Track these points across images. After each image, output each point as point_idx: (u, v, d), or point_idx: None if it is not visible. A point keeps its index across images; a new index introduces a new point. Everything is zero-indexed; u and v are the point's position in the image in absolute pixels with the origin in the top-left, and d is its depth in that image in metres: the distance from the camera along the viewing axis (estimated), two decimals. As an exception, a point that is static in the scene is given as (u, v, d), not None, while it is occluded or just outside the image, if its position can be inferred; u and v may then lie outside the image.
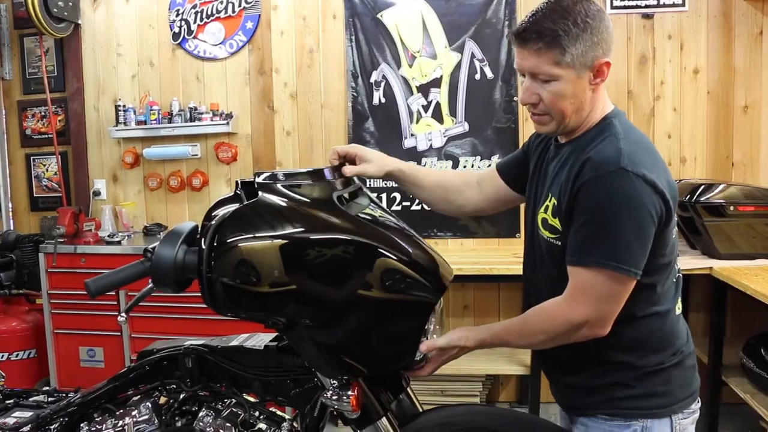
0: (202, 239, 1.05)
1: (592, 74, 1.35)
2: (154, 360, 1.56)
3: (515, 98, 3.76)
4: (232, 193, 1.25)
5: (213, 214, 1.17)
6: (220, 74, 3.91)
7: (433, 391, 3.44)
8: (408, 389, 1.55)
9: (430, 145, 3.87)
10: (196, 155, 3.90)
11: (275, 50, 3.84)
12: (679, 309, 1.44)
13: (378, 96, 3.86)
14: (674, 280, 1.41)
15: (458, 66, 3.79)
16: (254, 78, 3.89)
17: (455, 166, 3.86)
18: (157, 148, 3.90)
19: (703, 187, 3.04)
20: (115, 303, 3.38)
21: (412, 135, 3.88)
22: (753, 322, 3.26)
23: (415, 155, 3.88)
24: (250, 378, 1.53)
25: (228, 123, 3.79)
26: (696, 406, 1.41)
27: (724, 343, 3.14)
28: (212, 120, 3.80)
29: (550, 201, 1.40)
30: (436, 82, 3.82)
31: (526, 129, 3.77)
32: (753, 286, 2.58)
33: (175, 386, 1.56)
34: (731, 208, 2.98)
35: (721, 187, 3.06)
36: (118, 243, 3.55)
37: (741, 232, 3.02)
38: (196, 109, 3.82)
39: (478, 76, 3.76)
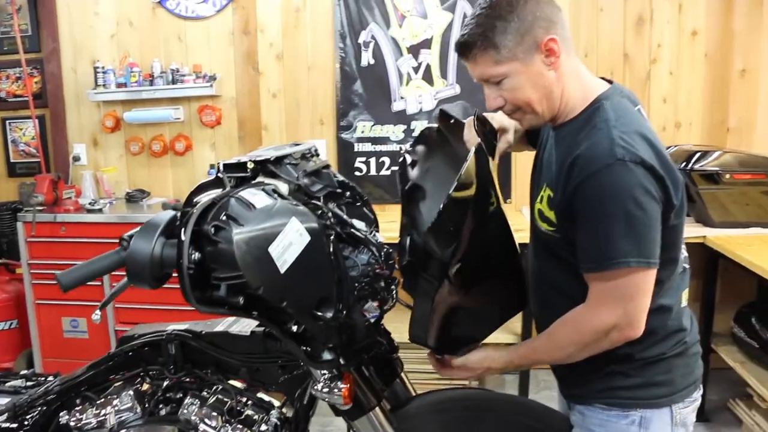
0: (182, 229, 0.97)
1: (543, 55, 1.27)
2: (136, 346, 1.50)
3: (508, 60, 3.65)
4: (214, 177, 1.16)
5: (194, 200, 1.09)
6: (203, 34, 3.76)
7: (423, 371, 3.41)
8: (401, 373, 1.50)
9: (420, 108, 3.77)
10: (179, 119, 3.77)
11: (260, 9, 3.68)
12: (685, 300, 1.38)
13: (367, 57, 3.73)
14: (681, 271, 1.35)
15: (449, 26, 3.66)
16: (239, 38, 3.74)
17: (446, 130, 3.77)
18: (138, 112, 3.77)
19: (698, 154, 2.97)
20: (98, 272, 3.30)
21: (401, 97, 3.77)
22: (744, 291, 3.24)
23: (404, 118, 3.78)
24: (236, 364, 1.47)
25: (212, 85, 3.65)
26: (697, 394, 1.37)
27: (714, 311, 3.13)
28: (195, 82, 3.67)
29: (545, 191, 1.35)
30: (427, 43, 3.70)
31: (519, 92, 3.67)
32: (747, 256, 2.54)
33: (157, 373, 1.49)
34: (727, 176, 2.93)
35: (716, 154, 3.00)
36: (100, 211, 3.45)
37: (735, 200, 2.97)
38: (178, 70, 3.68)
39: (470, 37, 3.64)
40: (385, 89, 3.76)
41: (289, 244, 1.10)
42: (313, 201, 1.29)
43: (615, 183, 1.18)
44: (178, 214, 1.04)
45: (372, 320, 1.31)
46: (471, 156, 1.14)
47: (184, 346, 1.48)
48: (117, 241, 1.11)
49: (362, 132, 3.81)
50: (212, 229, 0.99)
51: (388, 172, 3.84)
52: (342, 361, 1.25)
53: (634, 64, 3.45)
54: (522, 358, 1.36)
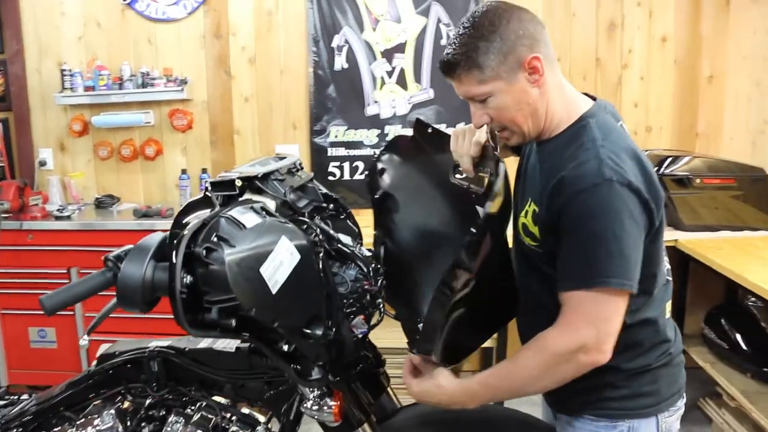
0: (173, 252, 0.95)
1: (527, 73, 1.28)
2: (117, 364, 1.46)
3: (481, 65, 3.67)
4: (202, 196, 1.14)
5: (184, 221, 1.06)
6: (174, 37, 3.69)
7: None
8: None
9: (394, 113, 3.77)
10: (149, 123, 3.70)
11: (232, 12, 3.63)
12: (668, 312, 1.40)
13: (340, 61, 3.72)
14: (663, 284, 1.37)
15: (423, 30, 3.67)
16: (210, 41, 3.69)
17: (419, 134, 3.77)
18: (107, 116, 3.68)
19: (669, 159, 3.03)
20: (67, 281, 3.23)
21: (375, 102, 3.76)
22: (713, 293, 3.30)
23: (378, 122, 3.78)
24: (220, 380, 1.45)
25: (183, 89, 3.59)
26: (681, 402, 1.40)
27: (685, 313, 3.19)
28: (166, 86, 3.60)
29: (530, 206, 1.35)
30: (401, 47, 3.70)
31: (492, 96, 3.69)
32: (717, 260, 2.60)
33: (140, 390, 1.46)
34: (697, 180, 2.99)
35: (686, 159, 3.07)
36: (68, 218, 3.36)
37: (705, 204, 3.04)
38: (148, 74, 3.62)
39: (444, 41, 3.65)
40: (359, 93, 3.75)
41: (280, 263, 1.09)
42: (301, 218, 1.27)
43: (601, 203, 1.18)
44: (168, 236, 1.02)
45: (360, 336, 1.30)
46: (503, 170, 1.14)
47: (167, 363, 1.45)
48: (87, 249, 1.07)
49: (336, 136, 3.79)
50: (204, 251, 0.97)
51: (362, 177, 3.82)
52: (332, 378, 1.24)
53: (606, 69, 3.49)
54: (483, 386, 1.29)
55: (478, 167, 1.41)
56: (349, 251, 1.32)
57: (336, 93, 3.75)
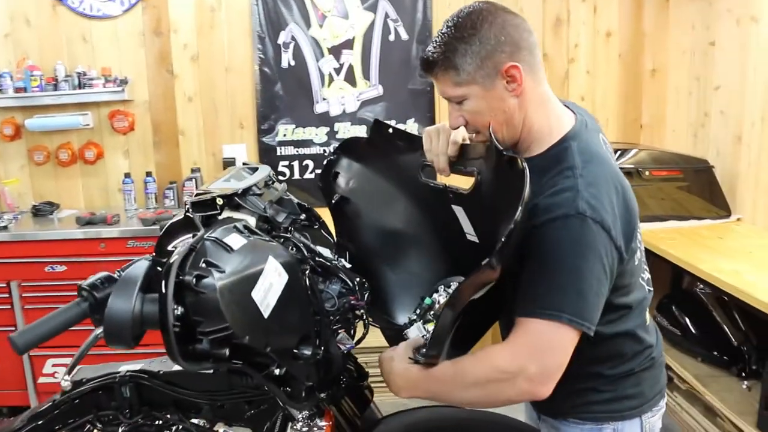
0: (163, 283, 0.89)
1: (505, 81, 1.25)
2: (85, 391, 1.38)
3: (430, 60, 3.66)
4: (182, 218, 1.07)
5: (169, 247, 1.00)
6: (111, 35, 3.53)
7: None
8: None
9: (343, 110, 3.73)
10: (88, 125, 3.53)
11: (173, 8, 3.50)
12: (648, 319, 1.41)
13: (287, 58, 3.64)
14: (642, 297, 1.36)
15: (371, 26, 3.63)
16: (150, 39, 3.55)
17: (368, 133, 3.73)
18: (41, 119, 3.49)
19: (618, 152, 3.10)
20: (7, 296, 3.06)
21: (324, 99, 3.71)
22: (664, 282, 3.41)
23: (327, 120, 3.73)
24: (198, 402, 1.38)
25: (123, 89, 3.45)
26: (663, 402, 1.42)
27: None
28: (105, 86, 3.45)
29: None
30: (349, 44, 3.65)
31: (442, 92, 3.69)
32: (672, 251, 2.68)
33: (111, 418, 1.38)
34: (646, 172, 3.07)
35: (633, 151, 3.15)
36: (5, 228, 3.18)
37: (652, 195, 3.12)
38: (85, 74, 3.45)
39: (392, 37, 3.62)
40: (307, 91, 3.69)
41: (270, 285, 1.04)
42: (282, 234, 1.22)
43: (570, 237, 1.15)
44: (150, 262, 0.95)
45: (347, 351, 1.27)
46: (527, 174, 1.07)
47: (139, 388, 1.37)
48: (28, 261, 1.00)
49: (284, 135, 3.72)
50: (194, 279, 0.91)
51: (312, 176, 3.77)
52: (323, 396, 1.20)
53: (554, 64, 3.55)
54: (423, 376, 1.24)
55: (455, 167, 1.39)
56: (331, 265, 1.28)
57: (283, 91, 3.68)
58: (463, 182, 1.39)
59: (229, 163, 3.67)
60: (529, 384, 1.15)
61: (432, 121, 3.72)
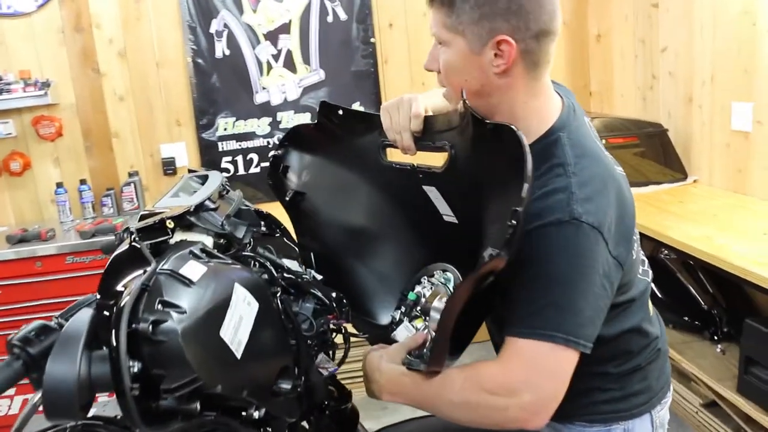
0: (113, 335, 0.73)
1: (494, 53, 1.08)
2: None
3: (372, 39, 3.52)
4: (127, 248, 0.91)
5: (117, 288, 0.84)
6: (26, 34, 3.25)
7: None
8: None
9: (285, 98, 3.56)
10: (11, 134, 3.26)
11: (93, 1, 3.24)
12: (651, 310, 1.32)
13: (221, 47, 3.44)
14: (643, 288, 1.26)
15: (308, 8, 3.46)
16: (71, 36, 3.28)
17: (314, 118, 3.57)
18: (-45, 131, 3.21)
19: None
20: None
21: (263, 88, 3.53)
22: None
23: (269, 110, 3.55)
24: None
25: (45, 93, 3.18)
26: (670, 392, 1.34)
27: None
28: (25, 90, 3.17)
29: None
30: (285, 28, 3.47)
31: (386, 73, 3.56)
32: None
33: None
34: (603, 141, 3.01)
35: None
36: (-74, 253, 2.90)
37: (610, 163, 3.08)
38: (1, 78, 3.17)
39: (330, 18, 3.46)
40: (245, 81, 3.50)
41: (240, 319, 0.90)
42: (244, 253, 1.08)
43: (565, 245, 1.03)
44: (95, 310, 0.80)
45: (331, 374, 1.14)
46: (524, 141, 0.93)
47: (95, 436, 1.21)
48: None
49: (225, 129, 3.53)
50: (149, 327, 0.76)
51: (258, 170, 3.60)
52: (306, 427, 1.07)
53: (499, 36, 3.45)
54: (411, 381, 1.11)
55: (421, 143, 1.24)
56: (302, 281, 1.14)
57: (220, 82, 3.48)
58: (433, 159, 1.25)
59: (168, 163, 3.46)
60: (522, 413, 1.02)
61: (378, 104, 3.59)
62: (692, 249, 2.30)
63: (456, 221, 1.29)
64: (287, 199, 1.44)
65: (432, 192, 1.28)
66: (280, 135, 3.57)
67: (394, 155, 1.31)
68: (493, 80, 1.12)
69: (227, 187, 1.24)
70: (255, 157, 3.61)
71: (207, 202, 1.09)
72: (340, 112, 1.37)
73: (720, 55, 2.96)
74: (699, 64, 3.12)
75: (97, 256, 2.89)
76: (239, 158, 3.59)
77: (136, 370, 0.74)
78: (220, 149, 3.55)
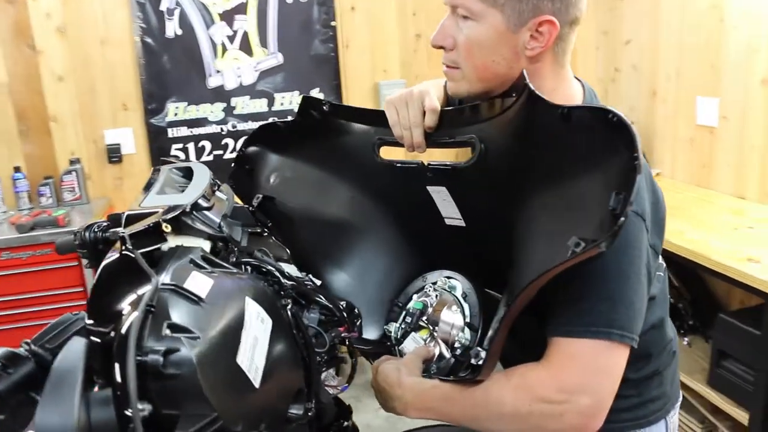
0: (117, 370, 0.59)
1: (530, 33, 1.00)
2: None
3: (333, 22, 3.37)
4: (116, 257, 0.75)
5: (113, 309, 0.68)
6: (-49, 6, 2.95)
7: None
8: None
9: (240, 83, 3.37)
10: (-66, 117, 2.96)
11: (27, -29, 2.97)
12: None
13: (173, 27, 3.22)
14: (663, 284, 1.20)
15: (266, -13, 3.27)
16: (2, 8, 2.99)
17: (271, 104, 3.42)
18: None
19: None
20: None
21: (218, 71, 3.33)
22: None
23: (223, 95, 3.36)
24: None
25: (-25, 71, 2.90)
26: (680, 394, 1.30)
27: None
28: (-49, 69, 2.89)
29: None
30: (242, 8, 3.28)
31: (347, 58, 3.42)
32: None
33: None
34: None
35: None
36: None
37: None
38: (-77, 55, 2.87)
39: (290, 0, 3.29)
40: (198, 63, 3.29)
41: (255, 340, 0.77)
42: (247, 259, 0.94)
43: None
44: (87, 340, 0.65)
45: (341, 392, 1.02)
46: (626, 119, 0.82)
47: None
48: None
49: (175, 115, 3.32)
50: (160, 358, 0.62)
51: (211, 157, 3.41)
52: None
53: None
54: (440, 396, 1.03)
55: (434, 139, 1.13)
56: (309, 288, 1.01)
57: (171, 64, 3.26)
58: (433, 158, 1.15)
59: (113, 150, 3.22)
60: (580, 418, 0.94)
61: (338, 90, 3.45)
62: (667, 244, 2.27)
63: (462, 224, 1.19)
64: (255, 204, 1.28)
65: (439, 193, 1.17)
66: (234, 122, 3.39)
67: (391, 153, 1.18)
68: (522, 64, 1.02)
69: (217, 182, 1.09)
70: (207, 144, 3.41)
71: (201, 201, 0.94)
72: (326, 107, 1.23)
73: (686, 49, 2.96)
74: (664, 58, 3.11)
75: (36, 252, 2.65)
76: (190, 145, 3.38)
77: (146, 413, 0.60)
78: (170, 136, 3.33)
